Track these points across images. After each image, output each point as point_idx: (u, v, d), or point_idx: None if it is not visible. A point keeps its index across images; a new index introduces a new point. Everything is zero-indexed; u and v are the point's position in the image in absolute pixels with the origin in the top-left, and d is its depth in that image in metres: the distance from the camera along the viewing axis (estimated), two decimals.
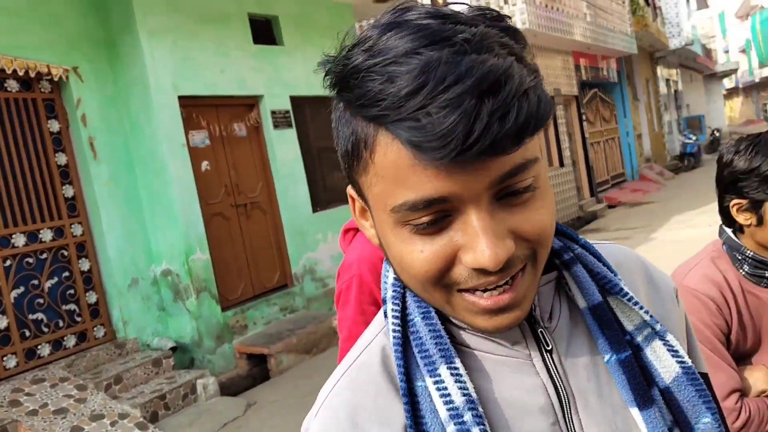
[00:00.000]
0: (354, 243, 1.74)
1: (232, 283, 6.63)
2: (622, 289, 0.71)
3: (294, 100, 7.47)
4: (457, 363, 0.64)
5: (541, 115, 0.57)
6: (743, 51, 48.50)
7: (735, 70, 47.41)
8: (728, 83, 52.38)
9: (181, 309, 6.07)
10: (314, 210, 7.68)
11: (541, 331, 0.69)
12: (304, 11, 7.74)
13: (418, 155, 0.55)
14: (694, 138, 21.55)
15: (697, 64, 31.51)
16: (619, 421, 0.69)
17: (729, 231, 1.61)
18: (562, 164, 12.90)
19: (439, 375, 0.63)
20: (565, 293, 0.73)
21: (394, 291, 0.69)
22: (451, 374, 0.63)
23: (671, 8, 23.29)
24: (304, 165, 7.54)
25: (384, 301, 0.70)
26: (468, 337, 0.68)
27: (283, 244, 7.27)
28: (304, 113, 7.69)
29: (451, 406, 0.61)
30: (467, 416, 0.61)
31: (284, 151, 7.31)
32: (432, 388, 0.63)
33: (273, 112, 7.22)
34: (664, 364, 0.70)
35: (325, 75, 0.63)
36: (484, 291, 0.61)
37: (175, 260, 6.06)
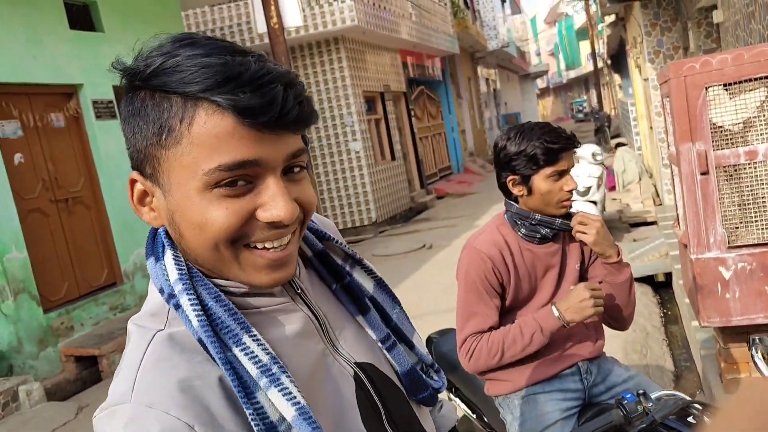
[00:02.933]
0: None
1: (54, 283, 6.21)
2: (329, 235, 0.97)
3: (118, 89, 7.11)
4: (254, 330, 0.77)
5: (315, 116, 0.78)
6: (552, 54, 53.15)
7: (546, 72, 51.82)
8: (540, 83, 57.13)
9: None
10: None
11: (293, 282, 0.87)
12: None
13: (240, 122, 0.70)
14: None
15: (512, 65, 34.05)
16: (353, 327, 0.94)
17: (514, 203, 1.94)
18: (393, 158, 13.42)
19: (244, 343, 0.76)
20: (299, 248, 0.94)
21: (183, 285, 0.77)
22: (253, 340, 0.76)
23: (488, 12, 24.99)
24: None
25: (169, 299, 0.78)
26: (251, 300, 0.82)
27: (110, 241, 6.93)
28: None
29: (260, 364, 0.75)
30: (274, 368, 0.76)
31: (109, 143, 6.96)
32: (240, 354, 0.75)
33: (94, 102, 6.85)
34: (365, 282, 0.97)
35: (126, 72, 0.75)
36: (269, 249, 0.76)
37: None
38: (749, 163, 2.94)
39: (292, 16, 8.15)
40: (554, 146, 1.83)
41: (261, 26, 8.25)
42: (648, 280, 6.33)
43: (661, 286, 6.33)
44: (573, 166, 1.90)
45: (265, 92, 0.70)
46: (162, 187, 0.76)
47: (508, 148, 1.89)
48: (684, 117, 2.99)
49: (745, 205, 2.97)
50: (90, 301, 6.46)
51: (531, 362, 1.92)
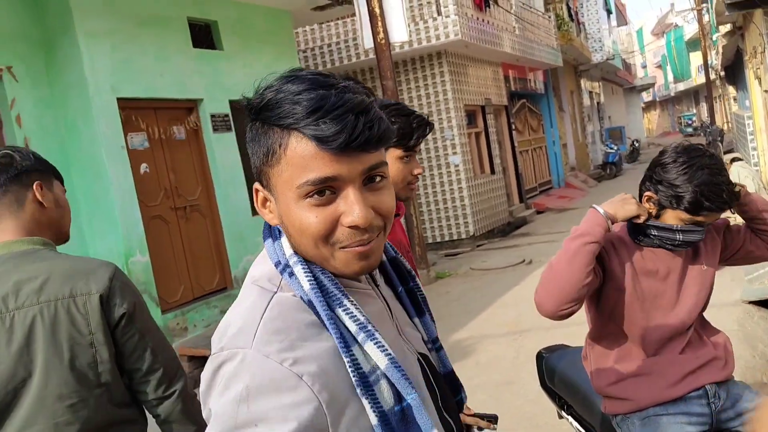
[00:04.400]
0: None
1: (171, 286, 6.61)
2: (397, 252, 1.16)
3: (233, 104, 7.52)
4: (351, 297, 0.95)
5: (390, 134, 0.93)
6: (659, 66, 51.09)
7: (652, 84, 49.87)
8: (646, 96, 54.99)
9: None
10: (254, 214, 7.74)
11: (373, 275, 1.06)
12: (242, 16, 7.82)
13: (319, 146, 0.87)
14: (615, 148, 22.58)
15: (617, 78, 33.02)
16: (410, 326, 1.11)
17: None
18: (493, 171, 13.34)
19: (346, 305, 0.93)
20: None
21: (297, 258, 0.95)
22: (352, 304, 0.94)
23: (594, 24, 24.40)
24: (243, 169, 7.59)
25: (283, 270, 0.96)
26: (345, 281, 0.99)
27: (222, 247, 7.30)
28: (244, 118, 7.72)
29: (357, 321, 0.92)
30: (370, 326, 0.92)
31: (224, 155, 7.35)
32: (342, 314, 0.92)
33: (212, 116, 7.26)
34: (420, 292, 1.16)
35: (247, 107, 0.94)
36: (356, 247, 0.92)
37: (114, 263, 5.99)
38: None
39: (398, 32, 8.32)
40: (705, 203, 1.76)
41: (368, 42, 8.47)
42: (767, 303, 5.98)
43: None
44: (713, 222, 1.85)
45: (338, 121, 0.86)
46: (273, 196, 0.95)
47: (668, 169, 1.82)
48: None
49: None
50: (203, 303, 6.82)
51: (655, 382, 1.89)
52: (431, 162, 11.72)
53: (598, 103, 27.66)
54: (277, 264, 0.98)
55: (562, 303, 1.76)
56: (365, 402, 0.88)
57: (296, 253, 0.96)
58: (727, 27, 15.31)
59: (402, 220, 2.13)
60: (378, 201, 0.93)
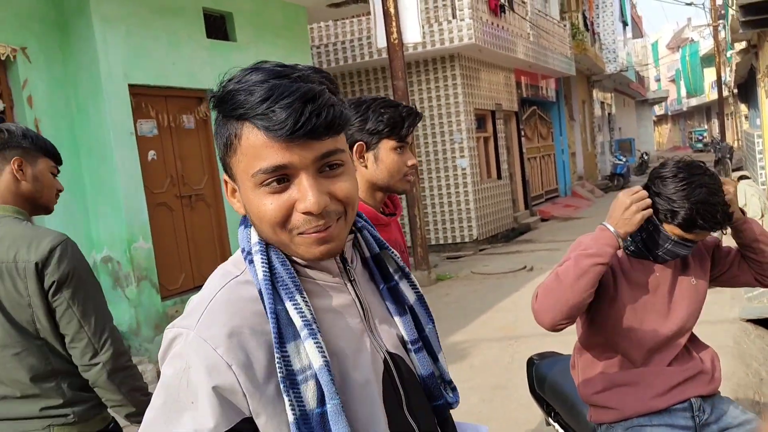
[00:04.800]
0: None
1: (172, 273, 6.65)
2: (388, 245, 1.13)
3: None
4: (304, 294, 0.97)
5: (342, 121, 0.94)
6: (673, 80, 50.97)
7: (665, 98, 49.71)
8: (658, 110, 54.85)
9: (120, 297, 6.06)
10: None
11: (348, 269, 1.05)
12: (258, 9, 7.85)
13: (268, 135, 0.89)
14: (624, 159, 22.56)
15: (630, 90, 32.95)
16: (389, 324, 1.10)
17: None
18: (499, 177, 13.34)
19: (296, 300, 0.95)
20: (358, 248, 1.12)
21: (259, 247, 0.98)
22: (303, 299, 0.95)
23: (609, 35, 24.35)
24: None
25: (246, 256, 1.00)
26: (310, 272, 1.01)
27: (225, 238, 7.34)
28: None
29: (305, 318, 0.94)
30: (314, 325, 0.94)
31: None
32: (291, 308, 0.94)
33: None
34: (408, 293, 1.13)
35: (211, 98, 0.96)
36: (313, 232, 0.94)
37: (116, 248, 6.05)
38: None
39: (412, 33, 8.34)
40: (699, 221, 1.77)
41: (381, 41, 8.50)
42: (765, 322, 5.98)
43: None
44: (702, 239, 1.85)
45: (285, 109, 0.88)
46: (237, 185, 0.98)
47: (666, 183, 1.83)
48: None
49: None
50: None
51: (641, 392, 1.90)
52: (438, 164, 11.73)
53: (609, 113, 27.61)
54: (242, 250, 1.02)
55: (561, 318, 1.79)
56: (286, 399, 0.91)
57: (261, 240, 0.99)
58: (742, 44, 15.27)
59: (400, 220, 2.14)
60: (335, 187, 0.95)
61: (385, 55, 9.20)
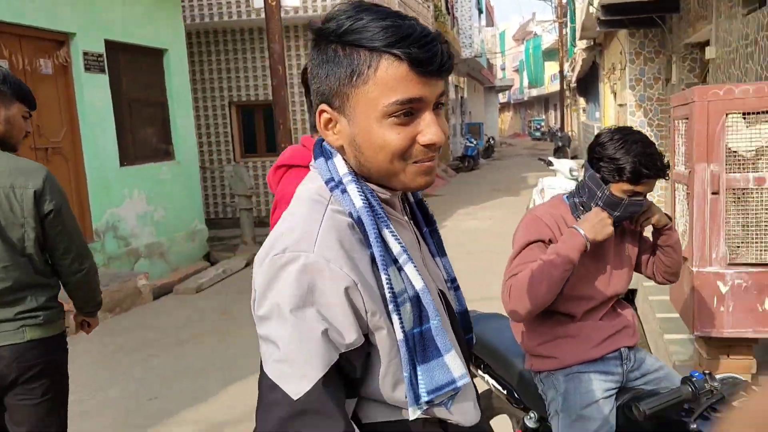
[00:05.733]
0: (288, 178, 1.84)
1: None
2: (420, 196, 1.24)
3: (109, 44, 6.98)
4: (392, 222, 1.03)
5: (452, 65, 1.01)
6: (517, 70, 54.13)
7: (510, 87, 52.71)
8: (502, 98, 58.04)
9: None
10: (122, 164, 7.26)
11: (406, 208, 1.15)
12: None
13: (412, 69, 0.93)
14: (474, 142, 23.65)
15: (481, 76, 34.52)
16: (433, 263, 1.18)
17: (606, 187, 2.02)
18: None
19: (391, 228, 1.01)
20: (405, 195, 1.19)
21: (352, 177, 1.02)
22: (393, 228, 1.02)
23: (466, 20, 25.31)
24: (114, 114, 7.08)
25: (335, 187, 1.02)
26: (387, 207, 1.07)
27: (84, 196, 6.79)
28: (119, 60, 7.20)
29: (401, 245, 1.00)
30: (410, 251, 1.02)
31: (94, 96, 6.81)
32: (388, 235, 1.00)
33: (85, 54, 6.69)
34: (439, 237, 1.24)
35: (319, 30, 0.99)
36: (425, 162, 1.00)
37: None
38: (757, 189, 3.15)
39: None
40: (644, 170, 1.92)
41: (258, 1, 8.20)
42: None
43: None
44: (650, 191, 2.01)
45: (430, 48, 0.94)
46: (347, 117, 0.99)
47: (607, 147, 1.98)
48: (702, 139, 3.17)
49: (748, 226, 3.18)
50: None
51: (580, 343, 2.05)
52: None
53: (462, 97, 28.78)
54: (328, 181, 1.03)
55: (535, 312, 1.97)
56: (395, 318, 0.96)
57: (350, 170, 1.03)
58: (585, 43, 16.54)
59: None
60: (442, 125, 1.01)
61: (262, 15, 8.90)
